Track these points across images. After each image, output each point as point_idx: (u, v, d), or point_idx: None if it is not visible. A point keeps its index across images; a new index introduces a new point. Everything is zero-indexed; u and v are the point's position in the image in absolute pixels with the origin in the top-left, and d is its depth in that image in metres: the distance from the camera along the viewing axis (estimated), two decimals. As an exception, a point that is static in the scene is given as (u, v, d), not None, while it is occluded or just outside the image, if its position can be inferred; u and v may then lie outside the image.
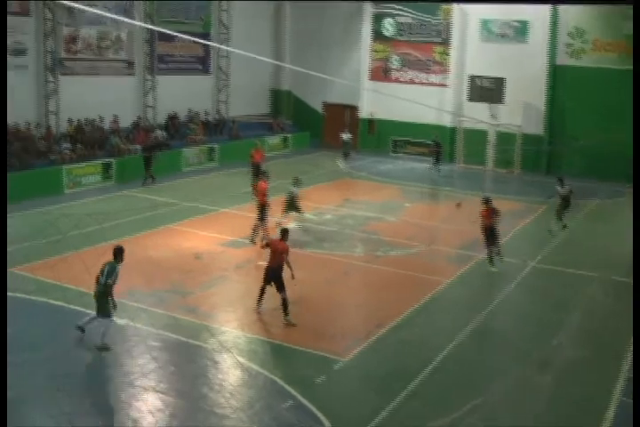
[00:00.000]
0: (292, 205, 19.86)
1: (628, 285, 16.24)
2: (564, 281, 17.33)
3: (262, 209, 18.79)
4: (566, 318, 14.40)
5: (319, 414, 10.44)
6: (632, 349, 10.28)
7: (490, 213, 17.57)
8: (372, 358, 12.58)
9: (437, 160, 29.61)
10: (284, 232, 14.57)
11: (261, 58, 15.49)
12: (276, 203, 19.78)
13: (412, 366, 12.13)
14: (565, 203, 21.07)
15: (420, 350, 12.98)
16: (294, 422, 10.33)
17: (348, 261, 17.96)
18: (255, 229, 18.79)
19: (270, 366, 11.92)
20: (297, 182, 20.20)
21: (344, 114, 35.89)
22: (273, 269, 14.14)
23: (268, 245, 14.67)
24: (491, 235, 17.56)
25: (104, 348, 12.31)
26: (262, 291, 14.27)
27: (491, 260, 17.59)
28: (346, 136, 30.97)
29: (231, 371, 11.89)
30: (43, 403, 10.61)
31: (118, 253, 12.64)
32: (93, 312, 12.54)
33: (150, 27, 26.79)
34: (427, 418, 10.55)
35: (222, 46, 30.88)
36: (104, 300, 12.46)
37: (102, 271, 12.46)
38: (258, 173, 23.59)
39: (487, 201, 17.82)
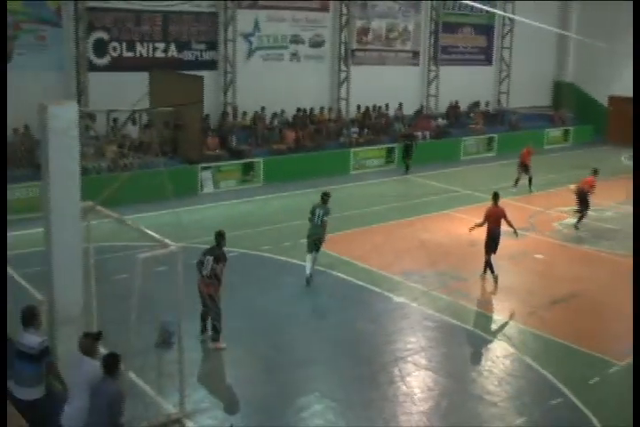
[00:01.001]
0: None
1: None
2: None
3: (583, 199, 18.70)
4: None
5: (591, 417, 9.76)
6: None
7: None
8: (650, 367, 11.51)
9: None
10: (496, 196, 14.64)
11: (550, 28, 14.65)
12: (555, 195, 18.92)
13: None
14: None
15: None
16: (564, 421, 9.78)
17: (628, 261, 16.55)
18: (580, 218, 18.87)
19: (541, 359, 11.35)
20: None
21: (632, 108, 33.19)
22: (492, 234, 14.33)
23: (487, 214, 14.58)
24: None
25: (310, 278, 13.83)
26: (487, 262, 14.51)
27: None
28: None
29: (501, 360, 11.51)
30: (326, 366, 11.07)
31: (327, 196, 14.04)
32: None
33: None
34: None
35: (508, 14, 29.67)
36: (322, 238, 13.81)
37: (314, 212, 13.86)
38: (525, 169, 23.15)
39: None
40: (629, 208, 21.05)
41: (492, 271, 14.60)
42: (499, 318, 13.06)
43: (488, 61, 33.06)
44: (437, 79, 30.13)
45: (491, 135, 29.71)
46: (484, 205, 20.57)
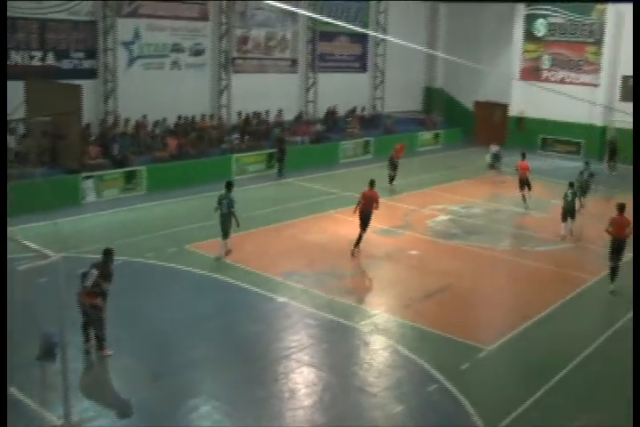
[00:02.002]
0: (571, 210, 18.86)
1: None
2: None
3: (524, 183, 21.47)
4: None
5: (463, 400, 10.20)
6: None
7: (623, 223, 14.44)
8: (515, 350, 12.15)
9: (613, 160, 28.43)
10: (372, 183, 16.80)
11: (418, 47, 15.37)
12: (428, 194, 19.52)
13: (556, 361, 11.57)
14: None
15: (564, 345, 12.37)
16: (439, 406, 10.18)
17: (494, 254, 17.46)
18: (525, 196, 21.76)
19: (417, 350, 11.74)
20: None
21: (494, 112, 34.99)
22: (365, 212, 16.47)
23: (363, 196, 16.67)
24: (618, 248, 14.59)
25: (227, 254, 15.64)
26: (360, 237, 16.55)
27: (613, 275, 14.85)
28: (494, 149, 27.75)
29: (380, 352, 11.84)
30: (212, 369, 11.04)
31: (231, 185, 15.78)
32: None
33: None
34: (569, 415, 10.07)
35: (381, 35, 30.69)
36: (229, 225, 15.50)
37: (221, 202, 15.50)
38: (394, 167, 23.95)
39: (622, 208, 14.58)
40: (495, 205, 22.24)
41: (357, 244, 16.49)
42: (376, 312, 13.37)
43: (363, 68, 33.75)
44: (315, 86, 30.53)
45: (367, 139, 30.29)
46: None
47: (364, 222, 16.51)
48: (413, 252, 17.12)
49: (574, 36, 32.61)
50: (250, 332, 12.27)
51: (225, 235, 15.65)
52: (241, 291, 13.96)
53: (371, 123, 32.30)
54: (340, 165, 28.16)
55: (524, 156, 22.39)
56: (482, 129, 34.78)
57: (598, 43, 31.77)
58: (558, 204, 23.02)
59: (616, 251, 14.62)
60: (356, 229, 17.19)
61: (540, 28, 33.61)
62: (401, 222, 19.56)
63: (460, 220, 20.27)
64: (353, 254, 16.33)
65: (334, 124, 30.44)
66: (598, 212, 21.73)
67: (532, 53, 34.08)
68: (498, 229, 19.81)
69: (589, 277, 15.80)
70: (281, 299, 13.68)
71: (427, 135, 33.70)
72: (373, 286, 15.10)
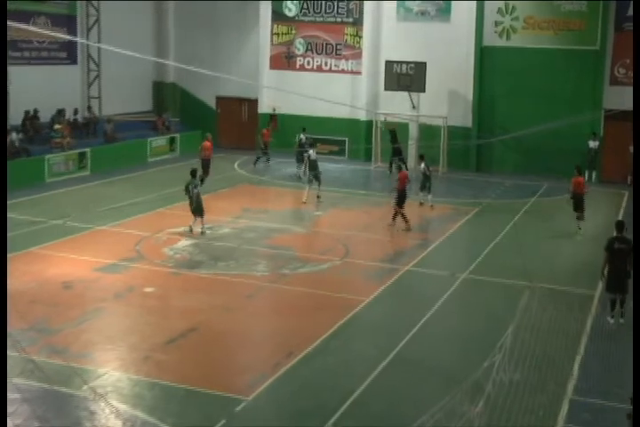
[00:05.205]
0: None
1: (568, 295, 16.94)
2: (497, 294, 17.76)
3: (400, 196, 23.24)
4: (500, 337, 14.68)
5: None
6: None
7: (580, 182, 22.52)
8: (281, 395, 12.54)
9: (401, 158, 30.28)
10: (404, 166, 25.61)
11: (138, 55, 15.08)
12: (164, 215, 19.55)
13: (330, 401, 12.14)
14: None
15: (337, 381, 13.02)
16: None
17: (249, 281, 17.94)
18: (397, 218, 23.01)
19: (160, 412, 11.71)
20: None
21: (241, 109, 36.02)
22: (401, 192, 22.73)
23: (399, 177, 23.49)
24: (579, 202, 22.47)
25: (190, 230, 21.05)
26: (401, 214, 22.57)
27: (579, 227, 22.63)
28: (312, 155, 26.79)
29: (112, 422, 11.56)
30: None
31: (195, 172, 21.57)
32: None
33: None
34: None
35: (86, 41, 30.52)
36: (199, 205, 20.88)
37: (189, 187, 20.96)
38: (207, 169, 25.38)
39: (579, 170, 23.16)
40: (246, 222, 22.88)
41: (406, 221, 22.52)
42: (104, 371, 13.08)
43: (72, 60, 33.27)
44: (7, 83, 29.36)
45: (82, 150, 29.85)
46: (80, 235, 20.88)
47: (401, 200, 22.65)
48: (149, 289, 17.11)
49: (330, 16, 34.53)
50: None
51: (200, 214, 21.03)
52: None
53: (86, 129, 31.95)
54: (48, 185, 27.49)
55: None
56: (226, 130, 35.67)
57: (357, 23, 33.87)
58: (322, 215, 24.30)
59: (578, 205, 22.57)
60: (69, 269, 16.88)
61: (291, 6, 35.09)
62: (131, 254, 19.43)
63: (205, 244, 20.62)
64: (408, 229, 22.46)
65: (36, 133, 29.69)
66: (363, 223, 23.31)
67: (283, 37, 35.49)
68: (252, 250, 20.40)
69: (361, 299, 16.79)
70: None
71: (159, 141, 33.91)
72: (98, 338, 14.72)
